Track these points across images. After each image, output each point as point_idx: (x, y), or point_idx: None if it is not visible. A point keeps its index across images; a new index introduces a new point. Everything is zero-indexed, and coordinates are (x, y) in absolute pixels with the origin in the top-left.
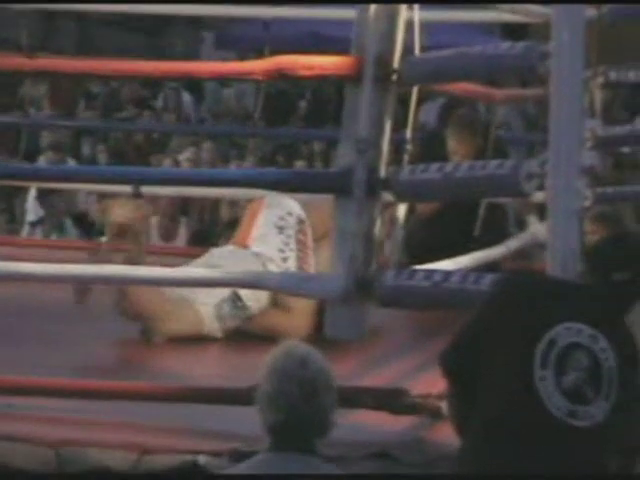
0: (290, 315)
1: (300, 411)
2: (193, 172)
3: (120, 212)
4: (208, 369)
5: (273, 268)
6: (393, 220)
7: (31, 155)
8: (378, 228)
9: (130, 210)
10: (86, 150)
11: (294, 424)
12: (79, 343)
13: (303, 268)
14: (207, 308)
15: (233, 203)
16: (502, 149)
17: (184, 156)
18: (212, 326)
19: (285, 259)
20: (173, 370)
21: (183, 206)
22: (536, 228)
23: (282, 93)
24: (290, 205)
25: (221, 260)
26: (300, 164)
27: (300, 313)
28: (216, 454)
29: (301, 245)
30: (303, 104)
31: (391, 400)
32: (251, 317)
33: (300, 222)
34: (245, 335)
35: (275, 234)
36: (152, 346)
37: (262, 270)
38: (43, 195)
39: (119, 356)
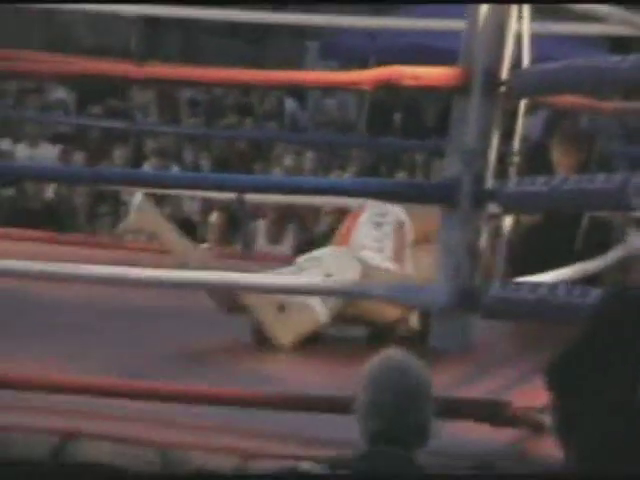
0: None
1: (399, 420)
2: (299, 180)
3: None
4: (313, 375)
5: (368, 256)
6: (499, 232)
7: (136, 161)
8: (484, 240)
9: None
10: (189, 157)
11: (393, 434)
12: (191, 345)
13: (397, 265)
14: (315, 299)
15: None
16: (605, 162)
17: (285, 164)
18: (322, 315)
19: (381, 249)
20: (282, 376)
21: (290, 213)
22: (636, 240)
23: (384, 104)
24: (389, 207)
25: (319, 260)
26: (401, 175)
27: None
28: (318, 461)
29: (398, 243)
30: (398, 116)
31: (493, 412)
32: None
33: (398, 222)
34: (343, 323)
35: (372, 229)
36: (261, 350)
37: (370, 280)
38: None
39: (224, 360)
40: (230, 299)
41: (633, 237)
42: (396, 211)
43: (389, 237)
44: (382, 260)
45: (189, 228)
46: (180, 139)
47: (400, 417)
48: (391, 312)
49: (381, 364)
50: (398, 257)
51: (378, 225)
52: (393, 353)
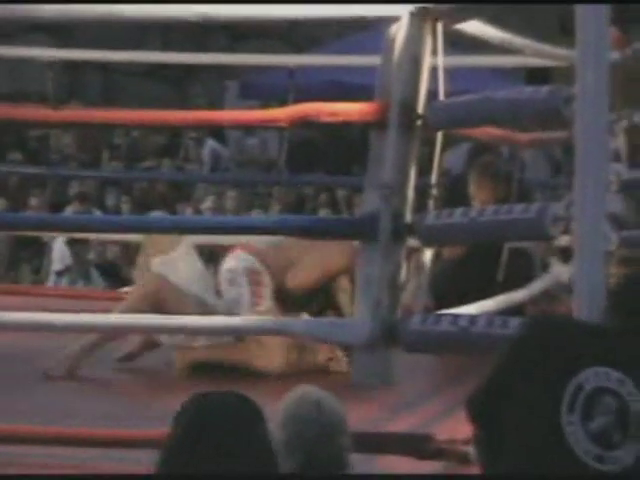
0: (265, 349)
1: (317, 454)
2: (217, 220)
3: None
4: None
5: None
6: (419, 265)
7: (58, 206)
8: (403, 273)
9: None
10: (110, 200)
11: (313, 468)
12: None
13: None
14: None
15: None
16: (527, 193)
17: (205, 205)
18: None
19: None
20: None
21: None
22: (559, 270)
23: (306, 141)
24: (239, 259)
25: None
26: (324, 212)
27: (273, 346)
28: None
29: (254, 291)
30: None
31: (418, 445)
32: (218, 346)
33: (251, 271)
34: (219, 368)
35: (228, 286)
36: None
37: (288, 318)
38: (71, 244)
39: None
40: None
41: (556, 267)
42: (247, 262)
43: (245, 288)
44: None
45: (113, 271)
46: (102, 183)
47: (319, 451)
48: (275, 363)
49: (296, 400)
50: (258, 302)
51: (232, 282)
52: (307, 389)
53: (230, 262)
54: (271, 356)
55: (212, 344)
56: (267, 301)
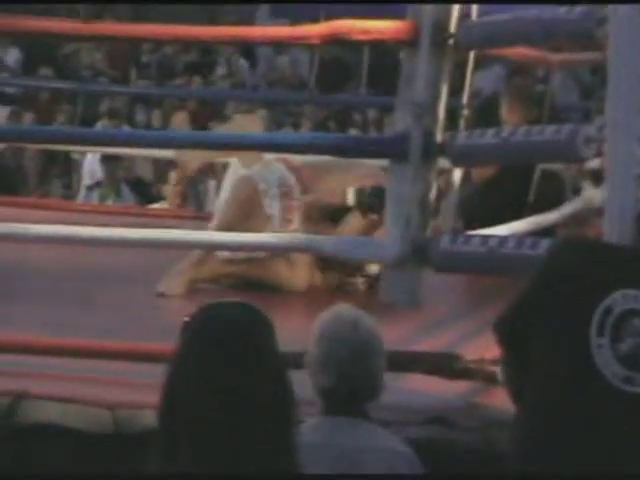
0: (292, 266)
1: (351, 374)
2: (249, 136)
3: None
4: None
5: None
6: (448, 186)
7: (89, 122)
8: (433, 193)
9: None
10: (140, 117)
11: (345, 387)
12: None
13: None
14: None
15: None
16: (558, 117)
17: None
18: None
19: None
20: None
21: None
22: (591, 194)
23: (337, 60)
24: (275, 170)
25: None
26: (353, 132)
27: (301, 264)
28: None
29: (285, 205)
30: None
31: (445, 365)
32: (250, 261)
33: (285, 186)
34: (248, 284)
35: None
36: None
37: (318, 236)
38: (103, 160)
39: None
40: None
41: (588, 191)
42: (281, 175)
43: (275, 202)
44: (277, 223)
45: (142, 188)
46: (131, 100)
47: (352, 371)
48: (300, 279)
49: (332, 318)
50: (286, 220)
51: (264, 193)
52: (343, 307)
53: (264, 172)
54: (297, 273)
55: (242, 258)
56: (297, 217)
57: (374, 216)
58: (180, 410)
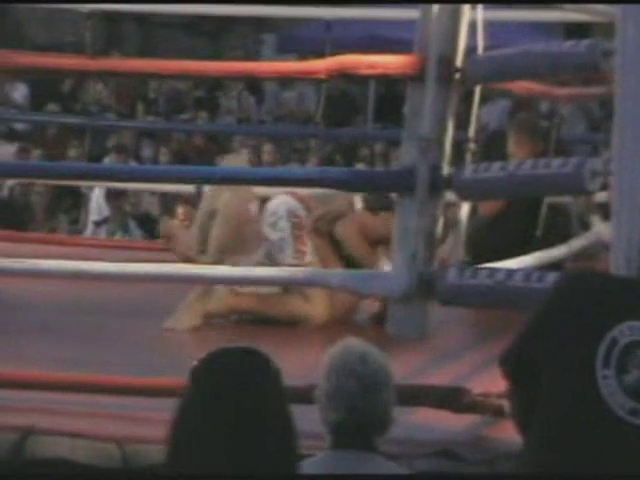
0: (307, 300)
1: (360, 408)
2: (257, 171)
3: None
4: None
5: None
6: (455, 219)
7: (96, 157)
8: (440, 227)
9: None
10: (147, 152)
11: (354, 421)
12: (142, 340)
13: (299, 258)
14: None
15: None
16: (564, 150)
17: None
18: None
19: (282, 248)
20: None
21: None
22: (600, 228)
23: (344, 94)
24: (280, 203)
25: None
26: (360, 166)
27: (317, 298)
28: None
29: (295, 236)
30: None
31: (453, 399)
32: (264, 297)
33: (294, 215)
34: (268, 319)
35: (270, 231)
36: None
37: (325, 269)
38: (110, 195)
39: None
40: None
41: (598, 226)
42: (290, 206)
43: (286, 233)
44: (290, 257)
45: (149, 223)
46: (139, 135)
47: (362, 405)
48: (318, 314)
49: (341, 352)
50: (301, 248)
51: (273, 226)
52: (353, 341)
53: (272, 205)
54: (314, 307)
55: (257, 293)
56: (310, 246)
57: (384, 214)
58: (185, 452)
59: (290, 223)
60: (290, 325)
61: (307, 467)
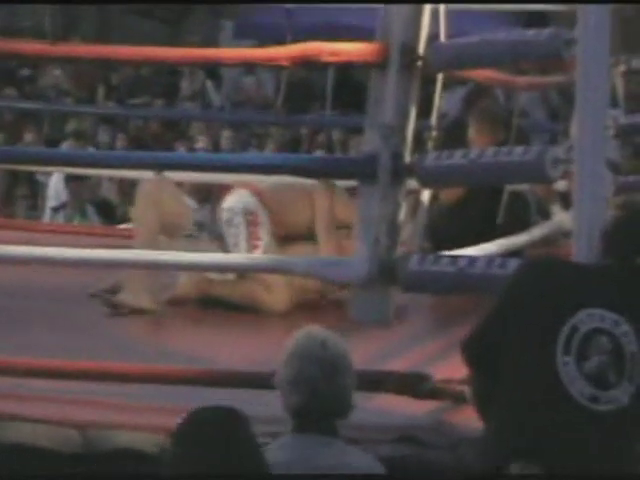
0: (268, 289)
1: (322, 392)
2: (216, 157)
3: None
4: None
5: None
6: (417, 206)
7: (54, 143)
8: (402, 214)
9: None
10: (104, 138)
11: (316, 405)
12: (99, 326)
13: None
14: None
15: None
16: (524, 138)
17: (198, 145)
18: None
19: (236, 244)
20: (198, 353)
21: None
22: (561, 217)
23: (303, 81)
24: (237, 200)
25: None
26: (319, 153)
27: (278, 286)
28: None
29: (250, 233)
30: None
31: (414, 385)
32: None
33: (248, 212)
34: (229, 305)
35: (227, 227)
36: (170, 324)
37: (287, 256)
38: (67, 181)
39: (140, 338)
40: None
41: (559, 215)
42: (246, 202)
43: (241, 228)
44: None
45: (108, 209)
46: (97, 121)
47: (323, 389)
48: (279, 302)
49: (302, 339)
50: (255, 244)
51: (229, 222)
52: (314, 328)
53: (229, 201)
54: (276, 294)
55: (216, 279)
56: (264, 242)
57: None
58: None
59: (245, 220)
60: (251, 311)
61: (271, 451)
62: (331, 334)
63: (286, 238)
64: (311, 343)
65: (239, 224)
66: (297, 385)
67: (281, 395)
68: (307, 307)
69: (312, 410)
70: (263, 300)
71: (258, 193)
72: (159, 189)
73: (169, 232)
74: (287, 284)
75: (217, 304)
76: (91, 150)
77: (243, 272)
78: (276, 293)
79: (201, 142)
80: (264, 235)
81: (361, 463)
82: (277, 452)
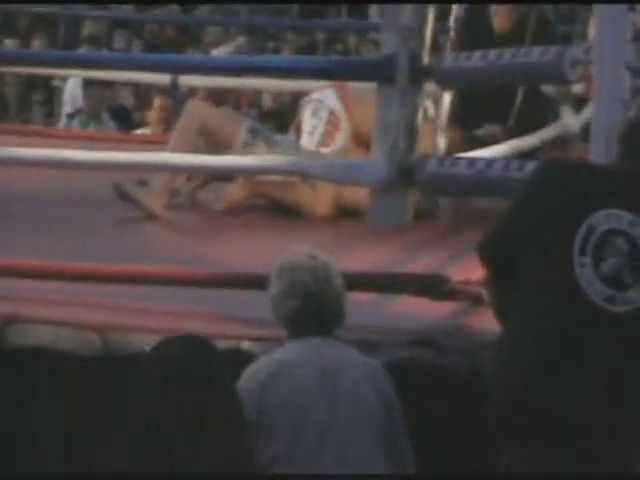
0: (315, 191)
1: (316, 295)
2: (235, 60)
3: None
4: (248, 252)
5: (305, 141)
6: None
7: (69, 48)
8: (421, 117)
9: None
10: (120, 44)
11: (311, 308)
12: (118, 230)
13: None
14: None
15: (276, 93)
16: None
17: (224, 50)
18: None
19: (313, 134)
20: (215, 255)
21: (224, 96)
22: (568, 119)
23: None
24: (326, 95)
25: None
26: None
27: (323, 189)
28: (258, 340)
29: (330, 129)
30: None
31: (432, 286)
32: (275, 183)
33: (331, 110)
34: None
35: (311, 116)
36: (187, 230)
37: (306, 158)
38: (83, 86)
39: (155, 242)
40: (121, 191)
41: (567, 115)
42: (330, 100)
43: (322, 123)
44: (314, 144)
45: (124, 115)
46: (111, 26)
47: (317, 292)
48: (323, 205)
49: (290, 255)
50: (328, 142)
51: (315, 112)
52: (299, 247)
53: (321, 94)
54: (320, 197)
55: (265, 180)
56: (338, 145)
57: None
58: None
59: (328, 117)
60: (297, 214)
61: (270, 361)
62: (316, 251)
63: (363, 147)
64: (300, 256)
65: (322, 118)
66: (291, 292)
67: (274, 309)
68: (349, 212)
69: (308, 313)
70: (306, 202)
71: (344, 97)
72: (206, 112)
73: (222, 148)
74: (334, 188)
75: (266, 206)
76: (107, 53)
77: (258, 174)
78: (321, 196)
79: (230, 47)
80: (340, 140)
81: (361, 358)
82: (276, 361)
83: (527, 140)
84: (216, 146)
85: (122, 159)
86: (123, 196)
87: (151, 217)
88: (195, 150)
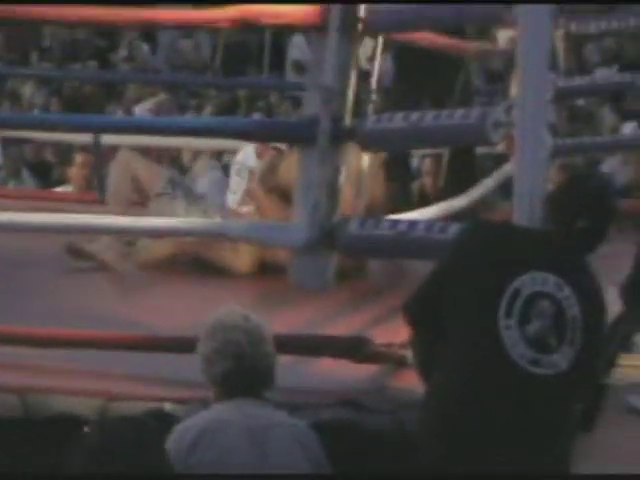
0: (237, 249)
1: (248, 356)
2: (158, 121)
3: None
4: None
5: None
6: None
7: None
8: (342, 178)
9: None
10: (39, 100)
11: (243, 369)
12: (42, 291)
13: (247, 202)
14: None
15: (196, 152)
16: (467, 100)
17: (144, 107)
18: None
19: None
20: (137, 315)
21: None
22: (486, 181)
23: (240, 44)
24: (247, 154)
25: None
26: (258, 116)
27: (247, 248)
28: (182, 401)
29: (250, 187)
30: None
31: (355, 349)
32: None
33: (251, 169)
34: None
35: (235, 175)
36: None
37: (226, 220)
38: (2, 144)
39: (81, 304)
40: (74, 248)
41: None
42: (250, 159)
43: (244, 182)
44: (236, 202)
45: (44, 170)
46: (30, 83)
47: (249, 353)
48: (245, 265)
49: (224, 314)
50: (248, 201)
51: (239, 172)
52: (233, 306)
53: (243, 155)
54: (241, 256)
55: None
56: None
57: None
58: None
59: (249, 176)
60: (220, 272)
61: (198, 421)
62: (249, 312)
63: (286, 201)
64: (234, 316)
65: (244, 177)
66: (224, 353)
67: (204, 369)
68: (272, 270)
69: (239, 374)
70: (229, 260)
71: (265, 156)
72: (132, 159)
73: (144, 196)
74: (255, 246)
75: (189, 264)
76: (28, 114)
77: (182, 236)
78: (241, 254)
79: (149, 104)
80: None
81: (288, 420)
82: (206, 415)
83: (455, 202)
84: (139, 192)
85: (43, 220)
86: (76, 252)
87: (106, 268)
88: (129, 200)
